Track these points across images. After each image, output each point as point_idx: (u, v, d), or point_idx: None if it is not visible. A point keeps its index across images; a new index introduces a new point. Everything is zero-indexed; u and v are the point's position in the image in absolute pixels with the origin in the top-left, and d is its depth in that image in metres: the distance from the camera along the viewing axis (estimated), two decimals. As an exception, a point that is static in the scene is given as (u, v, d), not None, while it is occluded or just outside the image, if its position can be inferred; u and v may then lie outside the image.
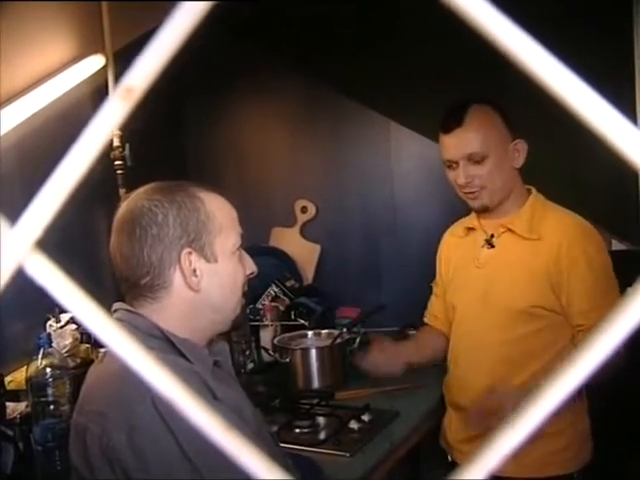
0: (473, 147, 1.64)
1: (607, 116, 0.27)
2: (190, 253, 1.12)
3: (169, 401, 0.31)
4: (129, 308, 1.14)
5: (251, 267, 1.23)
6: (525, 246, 1.70)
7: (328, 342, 2.21)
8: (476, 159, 1.65)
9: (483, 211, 1.76)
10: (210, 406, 0.96)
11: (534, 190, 1.76)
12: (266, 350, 2.36)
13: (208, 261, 1.14)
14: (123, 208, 1.15)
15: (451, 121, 1.67)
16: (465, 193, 1.72)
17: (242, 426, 1.05)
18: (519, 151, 1.68)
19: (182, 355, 1.10)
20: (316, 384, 2.16)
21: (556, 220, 1.69)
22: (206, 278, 1.14)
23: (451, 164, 1.70)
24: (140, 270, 1.11)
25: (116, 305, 1.15)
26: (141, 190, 1.16)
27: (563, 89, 0.27)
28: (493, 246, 1.76)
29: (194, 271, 1.13)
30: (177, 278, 1.12)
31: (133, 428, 0.98)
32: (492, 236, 1.75)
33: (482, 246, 1.77)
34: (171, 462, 0.97)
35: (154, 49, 0.29)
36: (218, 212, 1.16)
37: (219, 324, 1.20)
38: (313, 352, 2.16)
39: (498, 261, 1.74)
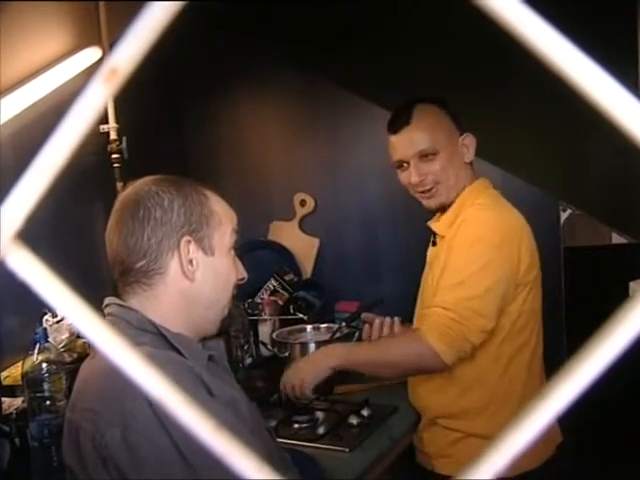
0: (423, 144, 1.66)
1: (613, 93, 0.26)
2: (189, 242, 1.13)
3: (156, 399, 0.30)
4: (121, 303, 1.13)
5: (242, 273, 1.24)
6: (441, 245, 1.72)
7: (327, 336, 2.19)
8: (427, 155, 1.66)
9: (440, 209, 1.75)
10: (204, 403, 0.94)
11: (475, 184, 1.72)
12: (265, 345, 2.35)
13: (205, 253, 1.15)
14: (128, 190, 1.15)
15: (399, 121, 1.68)
16: (420, 193, 1.71)
17: (237, 422, 1.04)
18: (467, 146, 1.69)
19: (176, 350, 1.09)
20: None
21: (464, 216, 1.67)
22: (201, 270, 1.14)
23: (402, 164, 1.71)
24: (137, 253, 1.11)
25: (108, 300, 1.14)
26: (149, 178, 1.17)
27: (570, 67, 0.26)
28: (435, 244, 1.78)
29: (190, 261, 1.13)
30: (173, 265, 1.12)
31: (126, 425, 0.96)
32: (435, 234, 1.77)
33: (431, 243, 1.80)
34: (165, 460, 0.95)
35: (138, 29, 0.28)
36: (220, 211, 1.18)
37: (209, 323, 1.19)
38: (312, 346, 2.14)
39: (433, 260, 1.75)
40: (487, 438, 1.59)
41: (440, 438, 1.75)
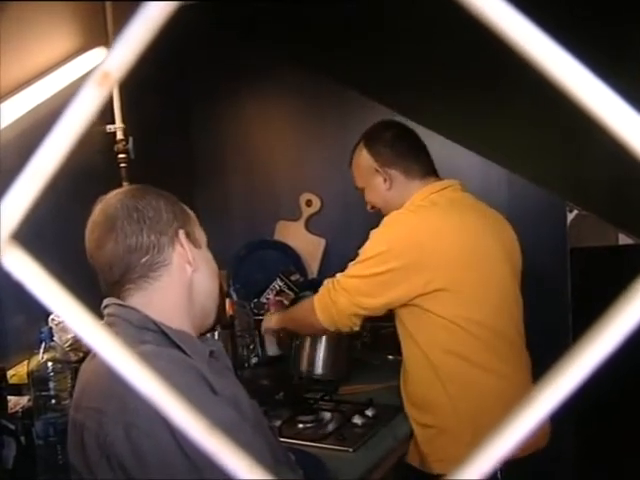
0: (355, 182, 2.02)
1: (616, 109, 0.26)
2: (183, 234, 1.18)
3: (148, 398, 0.30)
4: (121, 302, 1.13)
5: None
6: None
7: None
8: (361, 190, 2.01)
9: None
10: (207, 401, 0.95)
11: (417, 194, 1.86)
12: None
13: (195, 246, 1.20)
14: (108, 202, 1.16)
15: None
16: None
17: (240, 420, 1.04)
18: (386, 175, 1.91)
19: (178, 347, 1.09)
20: (319, 370, 2.14)
21: None
22: (197, 261, 1.19)
23: None
24: (140, 250, 1.14)
25: (107, 300, 1.15)
26: (119, 190, 1.23)
27: (573, 84, 0.26)
28: None
29: (189, 251, 1.18)
30: (176, 256, 1.16)
31: (130, 424, 0.97)
32: None
33: None
34: (168, 458, 0.96)
35: (131, 34, 0.28)
36: (189, 211, 1.25)
37: (208, 313, 1.24)
38: (323, 338, 2.14)
39: None
40: (455, 433, 1.72)
41: (420, 435, 1.81)
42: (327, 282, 1.87)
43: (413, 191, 1.88)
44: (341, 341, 2.16)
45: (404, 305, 1.77)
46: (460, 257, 1.73)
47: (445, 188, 1.86)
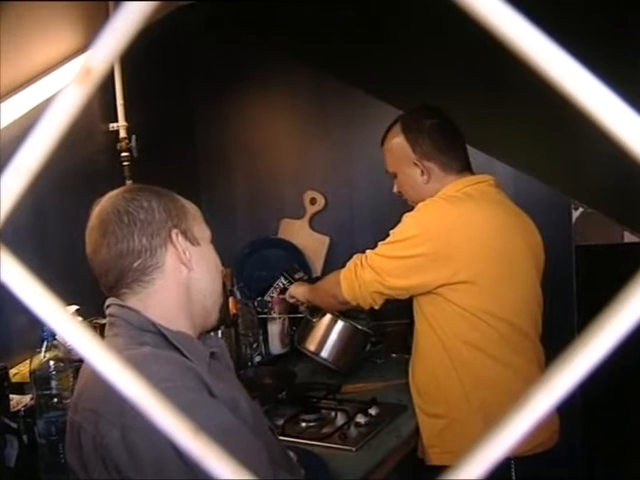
0: (386, 165, 1.95)
1: (616, 111, 0.25)
2: (177, 234, 1.16)
3: (132, 401, 0.30)
4: (121, 303, 1.13)
5: (220, 265, 1.30)
6: None
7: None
8: (392, 175, 1.94)
9: None
10: (204, 403, 0.94)
11: (448, 187, 1.83)
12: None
13: (192, 244, 1.19)
14: (102, 205, 1.16)
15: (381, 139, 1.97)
16: None
17: (237, 423, 1.04)
18: (424, 168, 1.85)
19: (177, 349, 1.09)
20: (325, 354, 2.11)
21: None
22: (194, 259, 1.18)
23: None
24: (132, 254, 1.13)
25: (109, 300, 1.15)
26: (115, 191, 1.21)
27: (573, 86, 0.26)
28: None
29: (184, 251, 1.17)
30: (169, 258, 1.15)
31: (126, 426, 0.97)
32: None
33: None
34: (164, 460, 0.95)
35: (112, 31, 0.27)
36: (189, 207, 1.23)
37: (209, 312, 1.23)
38: (340, 324, 2.12)
39: None
40: (466, 425, 1.72)
41: (428, 427, 1.82)
42: (356, 257, 1.85)
43: (447, 185, 1.85)
44: (356, 335, 2.14)
45: (426, 293, 1.77)
46: (486, 251, 1.73)
47: (479, 182, 1.85)
